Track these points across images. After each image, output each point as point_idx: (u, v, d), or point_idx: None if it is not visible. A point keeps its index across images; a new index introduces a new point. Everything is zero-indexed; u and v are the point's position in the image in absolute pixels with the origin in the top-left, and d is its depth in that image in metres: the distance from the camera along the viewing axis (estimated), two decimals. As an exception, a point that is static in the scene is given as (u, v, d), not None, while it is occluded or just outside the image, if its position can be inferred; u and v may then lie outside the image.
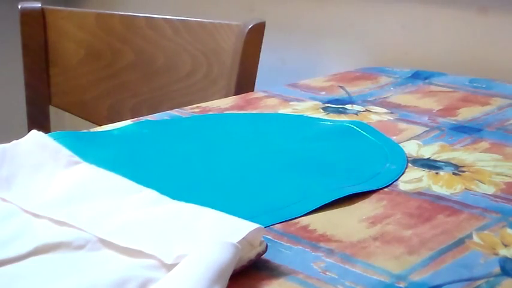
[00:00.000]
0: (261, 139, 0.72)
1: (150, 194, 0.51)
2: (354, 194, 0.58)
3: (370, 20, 1.20)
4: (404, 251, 0.50)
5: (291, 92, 0.91)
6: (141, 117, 0.79)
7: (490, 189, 0.60)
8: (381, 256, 0.49)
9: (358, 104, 0.86)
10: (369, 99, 0.88)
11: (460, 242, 0.51)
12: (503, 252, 0.50)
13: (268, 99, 0.87)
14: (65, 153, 0.57)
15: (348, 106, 0.85)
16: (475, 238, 0.52)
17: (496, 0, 1.06)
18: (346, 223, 0.54)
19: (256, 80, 1.04)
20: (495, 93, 0.91)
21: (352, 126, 0.75)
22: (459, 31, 1.10)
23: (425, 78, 0.99)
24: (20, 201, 0.52)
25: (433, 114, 0.82)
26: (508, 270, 0.47)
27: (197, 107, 0.84)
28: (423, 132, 0.75)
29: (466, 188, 0.61)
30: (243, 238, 0.45)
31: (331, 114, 0.81)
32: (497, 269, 0.47)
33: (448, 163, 0.66)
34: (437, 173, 0.64)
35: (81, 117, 1.20)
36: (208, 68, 1.09)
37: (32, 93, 1.16)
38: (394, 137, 0.73)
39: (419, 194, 0.59)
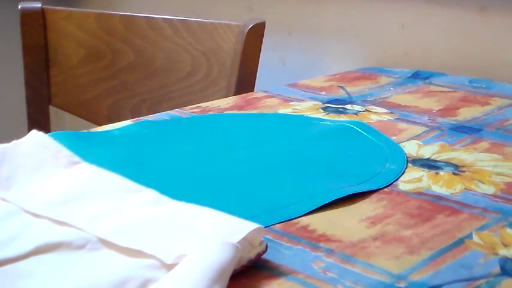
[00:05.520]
0: (260, 139, 0.72)
1: (150, 194, 0.51)
2: (354, 194, 0.58)
3: (370, 20, 1.20)
4: (405, 251, 0.50)
5: (291, 92, 0.91)
6: (141, 117, 0.79)
7: (490, 189, 0.60)
8: (380, 256, 0.49)
9: (358, 104, 0.86)
10: (368, 99, 0.88)
11: (460, 242, 0.51)
12: (503, 252, 0.50)
13: (268, 99, 0.87)
14: (65, 153, 0.57)
15: (347, 106, 0.85)
16: (475, 238, 0.52)
17: (496, 0, 1.06)
18: (346, 223, 0.54)
19: (256, 80, 1.04)
20: (495, 93, 0.91)
21: (352, 126, 0.75)
22: (459, 31, 1.10)
23: (425, 78, 0.99)
24: (20, 201, 0.52)
25: (433, 114, 0.82)
26: (508, 270, 0.47)
27: (197, 107, 0.84)
28: (423, 132, 0.75)
29: (466, 188, 0.61)
30: (243, 238, 0.45)
31: (331, 114, 0.81)
32: (497, 269, 0.47)
33: (448, 163, 0.66)
34: (437, 173, 0.64)
35: (81, 117, 1.20)
36: (208, 68, 1.09)
37: (32, 93, 1.16)
38: (394, 137, 0.73)
39: (419, 194, 0.59)
